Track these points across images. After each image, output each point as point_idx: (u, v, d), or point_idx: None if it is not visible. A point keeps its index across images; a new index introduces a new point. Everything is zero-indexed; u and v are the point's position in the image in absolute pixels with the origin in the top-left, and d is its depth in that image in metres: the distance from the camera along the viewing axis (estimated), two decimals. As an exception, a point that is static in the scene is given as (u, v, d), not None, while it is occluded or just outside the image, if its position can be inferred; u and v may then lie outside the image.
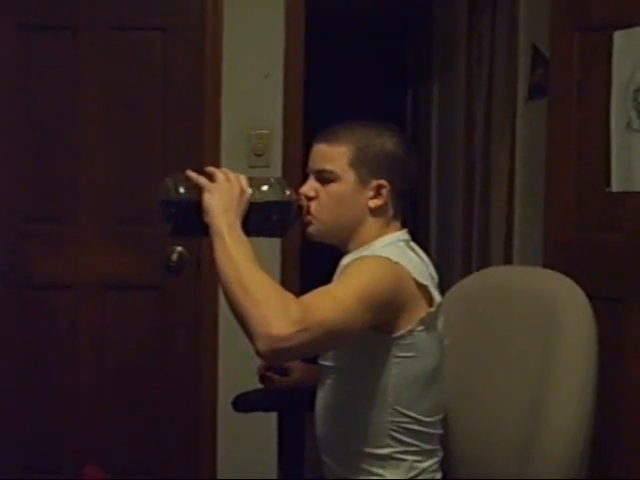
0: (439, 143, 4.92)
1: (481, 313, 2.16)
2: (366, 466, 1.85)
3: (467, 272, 3.90)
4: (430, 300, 1.82)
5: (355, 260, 1.79)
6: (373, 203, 1.88)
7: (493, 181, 3.91)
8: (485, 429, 2.07)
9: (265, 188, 1.83)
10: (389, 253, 1.79)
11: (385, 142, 1.90)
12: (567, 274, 2.05)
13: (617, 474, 2.59)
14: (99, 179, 3.20)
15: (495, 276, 2.36)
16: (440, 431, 1.93)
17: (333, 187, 1.88)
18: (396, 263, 1.76)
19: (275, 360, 1.96)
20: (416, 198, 2.30)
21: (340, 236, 1.91)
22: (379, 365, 1.80)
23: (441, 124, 4.91)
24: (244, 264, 1.63)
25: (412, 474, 1.85)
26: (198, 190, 1.74)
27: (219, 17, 3.18)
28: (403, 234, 1.93)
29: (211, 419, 3.23)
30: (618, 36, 2.63)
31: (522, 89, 3.54)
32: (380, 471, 1.84)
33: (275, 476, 3.13)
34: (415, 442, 1.85)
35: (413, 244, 1.92)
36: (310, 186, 1.91)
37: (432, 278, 1.88)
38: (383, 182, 1.88)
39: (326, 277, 1.84)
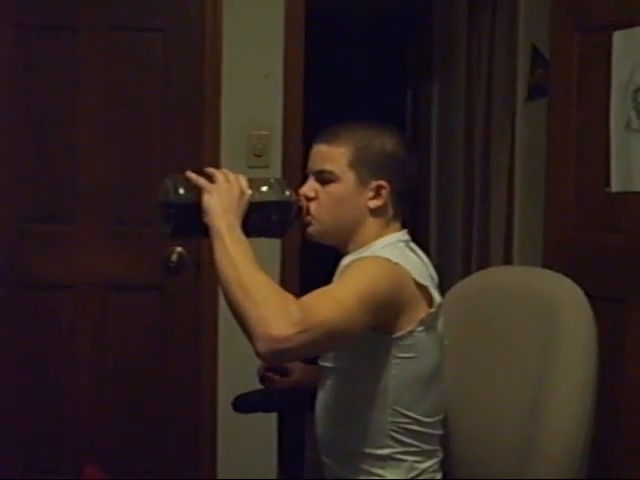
0: (439, 143, 4.91)
1: (481, 313, 2.16)
2: (366, 466, 1.85)
3: (467, 272, 3.90)
4: (430, 301, 1.82)
5: (355, 261, 1.79)
6: (373, 204, 1.88)
7: (493, 181, 3.91)
8: (485, 429, 2.07)
9: (265, 189, 1.83)
10: (389, 254, 1.79)
11: (385, 142, 1.90)
12: (567, 274, 2.05)
13: (617, 474, 2.59)
14: (99, 179, 3.20)
15: (495, 276, 2.36)
16: (440, 431, 1.93)
17: (333, 188, 1.88)
18: (396, 264, 1.76)
19: (275, 361, 1.96)
20: (416, 198, 2.30)
21: (340, 237, 1.91)
22: (379, 366, 1.80)
23: (441, 124, 4.90)
24: (244, 265, 1.63)
25: (412, 474, 1.85)
26: (198, 191, 1.74)
27: (219, 17, 3.18)
28: (403, 235, 1.93)
29: (211, 419, 3.23)
30: (618, 36, 2.63)
31: (522, 89, 3.54)
32: (380, 471, 1.84)
33: (275, 476, 3.13)
34: (415, 442, 1.85)
35: (413, 245, 1.92)
36: (310, 187, 1.91)
37: (432, 278, 1.88)
38: (383, 183, 1.88)
39: (326, 278, 1.84)
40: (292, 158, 3.19)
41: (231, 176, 1.78)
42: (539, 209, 3.07)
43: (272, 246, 3.10)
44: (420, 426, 1.85)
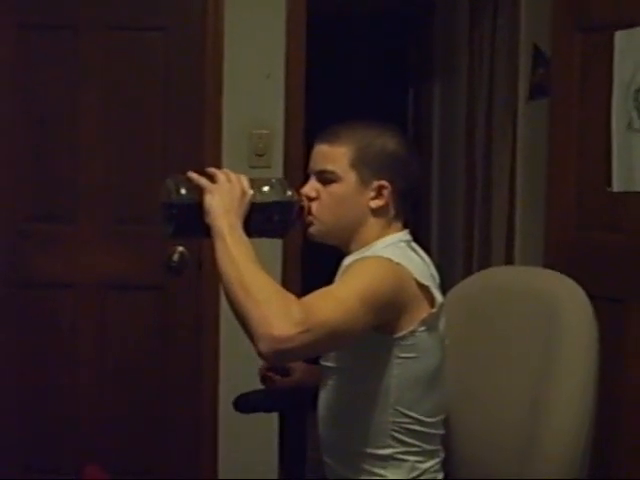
0: (440, 143, 4.92)
1: (482, 313, 2.16)
2: (368, 466, 1.85)
3: (468, 272, 3.89)
4: (432, 301, 1.82)
5: (357, 261, 1.79)
6: (374, 204, 1.88)
7: (494, 181, 3.91)
8: (486, 429, 2.07)
9: (266, 189, 1.83)
10: (390, 254, 1.78)
11: (386, 142, 1.90)
12: (568, 274, 2.05)
13: (617, 474, 2.59)
14: (100, 178, 3.20)
15: (496, 276, 2.36)
16: (441, 431, 1.93)
17: (334, 188, 1.88)
18: (397, 264, 1.76)
19: (277, 361, 1.96)
20: (417, 198, 2.30)
21: (341, 237, 1.91)
22: (381, 366, 1.80)
23: (442, 124, 4.90)
24: (245, 265, 1.63)
25: (414, 474, 1.85)
26: (199, 191, 1.74)
27: (220, 17, 3.17)
28: (404, 234, 1.92)
29: (212, 419, 3.23)
30: (619, 36, 2.63)
31: (523, 89, 3.54)
32: (382, 471, 1.84)
33: (276, 476, 3.13)
34: (417, 442, 1.85)
35: (414, 244, 1.92)
36: (311, 187, 1.91)
37: (433, 278, 1.88)
38: (384, 183, 1.88)
39: (327, 278, 1.84)
40: (293, 158, 3.19)
41: (233, 176, 1.78)
42: (540, 209, 3.07)
43: (274, 246, 3.10)
44: (422, 426, 1.85)
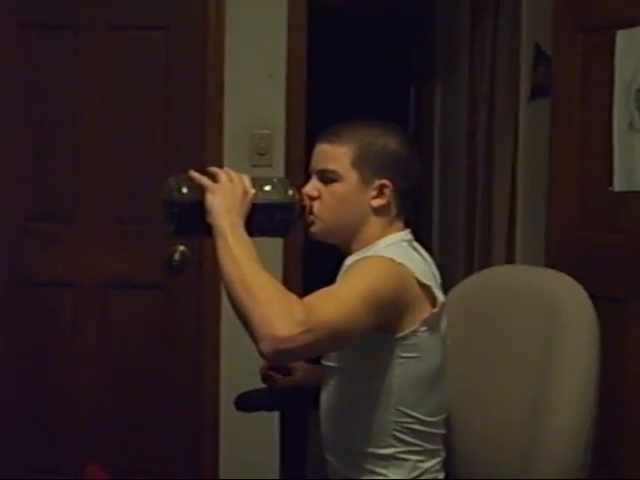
0: (442, 142, 4.92)
1: (483, 313, 2.16)
2: (369, 466, 1.85)
3: (469, 272, 3.90)
4: (433, 300, 1.82)
5: (358, 261, 1.79)
6: (376, 203, 1.88)
7: (495, 180, 3.91)
8: (487, 429, 2.06)
9: (268, 188, 1.83)
10: (392, 253, 1.78)
11: (388, 142, 1.90)
12: (569, 274, 2.05)
13: (619, 474, 2.59)
14: (101, 178, 3.20)
15: (497, 276, 2.36)
16: (443, 431, 1.93)
17: (336, 187, 1.88)
18: (399, 264, 1.76)
19: (278, 360, 1.96)
20: (419, 198, 2.30)
21: (343, 236, 1.91)
22: (382, 366, 1.80)
23: (444, 123, 4.91)
24: (247, 264, 1.63)
25: (415, 474, 1.85)
26: (201, 190, 1.74)
27: (222, 16, 3.17)
28: (406, 234, 1.92)
29: (213, 418, 3.23)
30: (621, 36, 2.63)
31: (524, 88, 3.54)
32: (383, 471, 1.84)
33: (277, 476, 3.13)
34: (418, 442, 1.85)
35: (416, 244, 1.92)
36: (313, 186, 1.91)
37: (435, 278, 1.88)
38: (386, 182, 1.87)
39: (328, 277, 1.84)
40: (295, 157, 3.19)
41: (234, 175, 1.78)
42: (541, 208, 3.06)
43: (275, 245, 3.10)
44: (423, 426, 1.85)
